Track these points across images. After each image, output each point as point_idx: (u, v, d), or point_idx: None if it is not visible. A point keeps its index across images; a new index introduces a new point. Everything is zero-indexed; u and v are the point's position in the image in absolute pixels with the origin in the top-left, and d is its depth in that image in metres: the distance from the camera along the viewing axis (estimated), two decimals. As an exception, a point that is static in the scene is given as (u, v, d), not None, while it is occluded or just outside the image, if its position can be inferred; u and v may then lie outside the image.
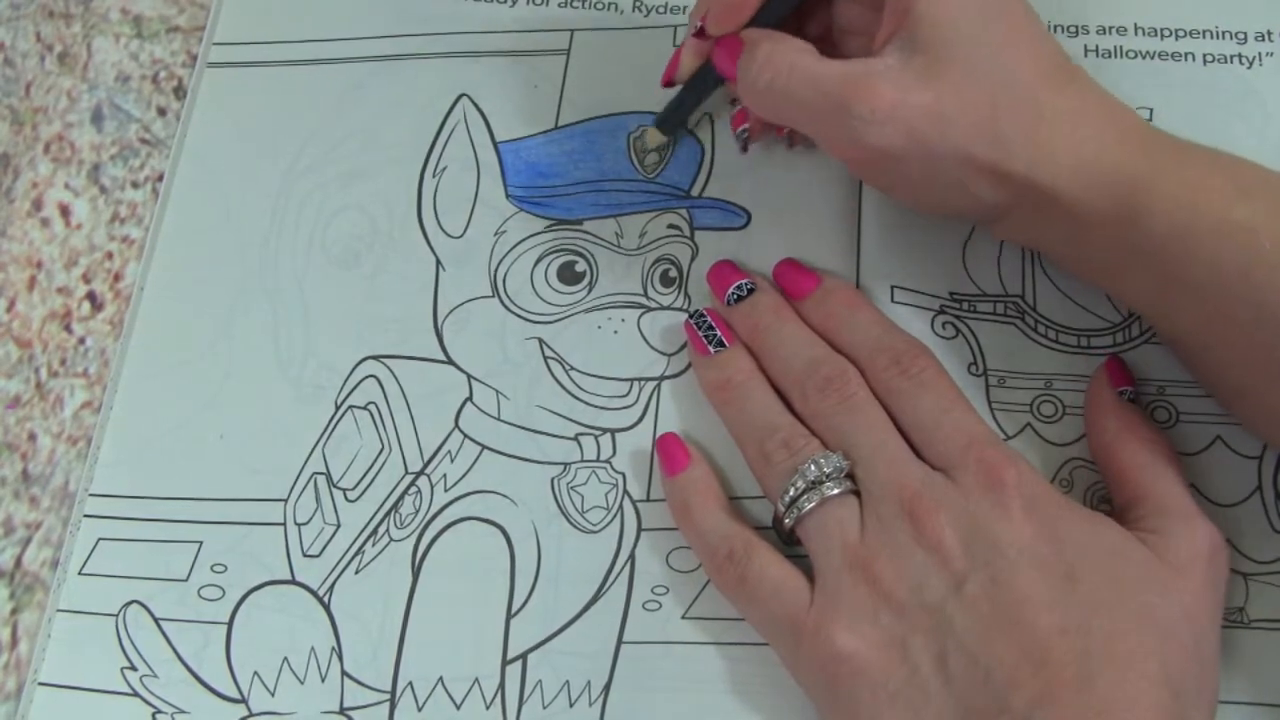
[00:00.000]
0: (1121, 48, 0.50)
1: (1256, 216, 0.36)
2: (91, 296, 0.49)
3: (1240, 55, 0.50)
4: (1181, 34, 0.50)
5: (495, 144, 0.50)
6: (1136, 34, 0.50)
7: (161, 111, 0.52)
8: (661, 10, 0.53)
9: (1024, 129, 0.39)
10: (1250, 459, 0.43)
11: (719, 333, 0.45)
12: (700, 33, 0.45)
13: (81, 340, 0.48)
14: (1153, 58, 0.50)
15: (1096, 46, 0.50)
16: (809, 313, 0.45)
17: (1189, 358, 0.43)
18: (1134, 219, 0.38)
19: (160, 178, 0.51)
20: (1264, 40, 0.50)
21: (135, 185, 0.50)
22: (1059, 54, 0.41)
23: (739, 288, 0.46)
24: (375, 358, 0.47)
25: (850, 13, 0.45)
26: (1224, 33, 0.50)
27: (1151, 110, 0.48)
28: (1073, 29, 0.51)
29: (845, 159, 0.43)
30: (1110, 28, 0.51)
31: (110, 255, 0.49)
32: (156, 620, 0.44)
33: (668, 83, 0.47)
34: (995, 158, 0.39)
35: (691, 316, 0.46)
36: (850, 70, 0.40)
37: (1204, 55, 0.50)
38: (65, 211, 0.50)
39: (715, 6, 0.43)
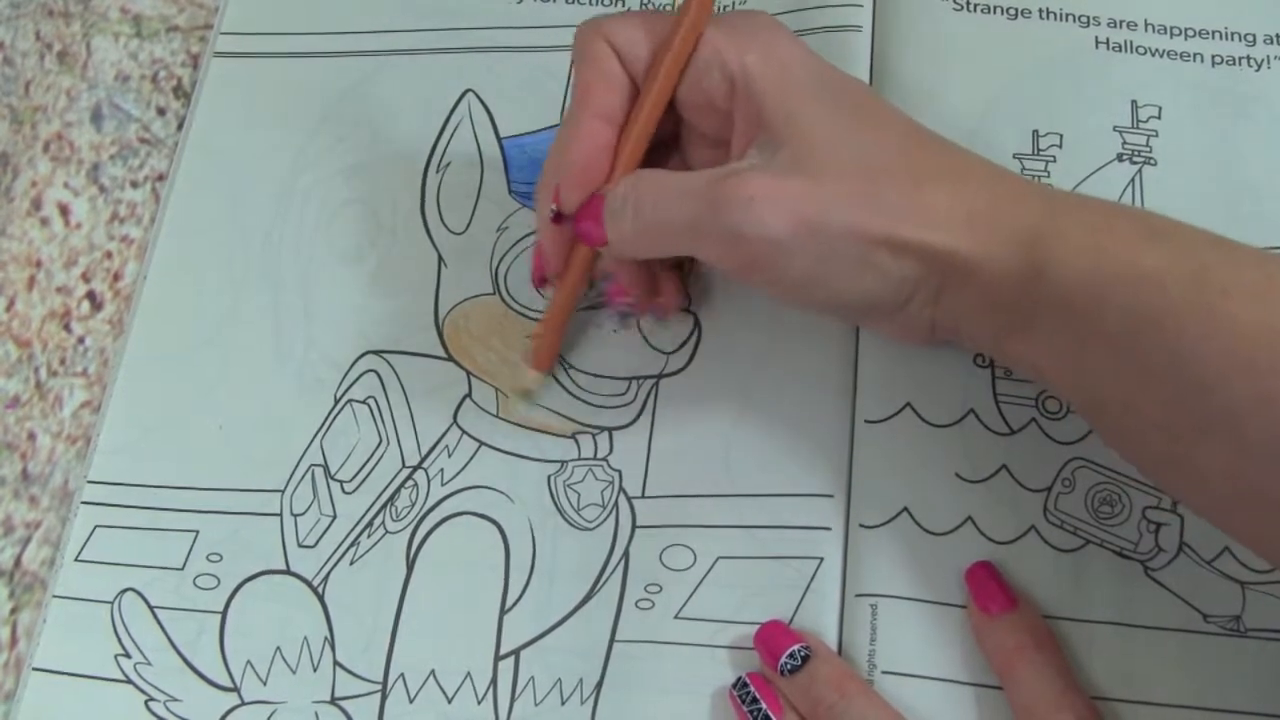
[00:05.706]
0: (1131, 42, 0.50)
1: (1165, 260, 0.34)
2: (91, 296, 0.49)
3: (1249, 58, 0.49)
4: (1191, 33, 0.50)
5: (499, 139, 0.50)
6: (1147, 30, 0.50)
7: (161, 111, 0.52)
8: (668, 8, 0.52)
9: (904, 192, 0.38)
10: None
11: (764, 706, 0.40)
12: (557, 216, 0.42)
13: (81, 340, 0.49)
14: (1162, 55, 0.49)
15: (1108, 39, 0.50)
16: None
17: (1110, 424, 0.38)
18: (1040, 270, 0.36)
19: (160, 177, 0.51)
20: (1273, 43, 0.49)
21: (135, 185, 0.51)
22: (922, 126, 0.40)
23: (793, 655, 0.41)
24: (376, 352, 0.47)
25: (702, 155, 0.44)
26: (1234, 34, 0.50)
27: (1160, 109, 0.48)
28: (1084, 19, 0.50)
29: (731, 265, 0.40)
30: (1121, 21, 0.50)
31: (110, 255, 0.50)
32: (151, 608, 0.44)
33: (541, 281, 0.45)
34: (885, 228, 0.37)
35: (735, 686, 0.41)
36: (715, 172, 0.39)
37: (1213, 56, 0.49)
38: (65, 211, 0.51)
39: (567, 178, 0.41)
